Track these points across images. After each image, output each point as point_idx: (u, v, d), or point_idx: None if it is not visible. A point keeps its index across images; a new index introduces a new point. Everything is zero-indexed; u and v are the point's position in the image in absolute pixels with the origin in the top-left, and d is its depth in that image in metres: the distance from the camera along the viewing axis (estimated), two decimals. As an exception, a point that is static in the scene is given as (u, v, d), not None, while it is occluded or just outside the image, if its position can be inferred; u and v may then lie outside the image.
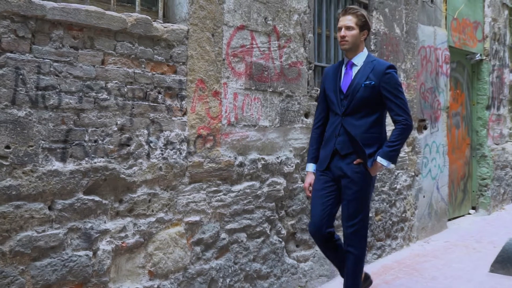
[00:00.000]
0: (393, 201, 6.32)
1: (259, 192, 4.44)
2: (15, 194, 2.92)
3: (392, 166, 3.93)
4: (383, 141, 3.90)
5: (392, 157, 3.84)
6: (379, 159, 3.81)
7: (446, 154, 7.66)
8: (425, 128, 7.04)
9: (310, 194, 4.09)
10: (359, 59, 3.96)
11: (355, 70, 3.95)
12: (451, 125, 8.11)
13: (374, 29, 5.98)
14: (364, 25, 3.92)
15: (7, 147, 2.89)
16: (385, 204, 6.15)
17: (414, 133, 6.77)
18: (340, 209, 4.05)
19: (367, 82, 3.84)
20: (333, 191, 3.98)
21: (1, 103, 2.86)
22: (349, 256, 3.99)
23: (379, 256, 6.06)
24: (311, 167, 4.14)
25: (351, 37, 3.88)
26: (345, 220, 3.95)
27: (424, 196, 7.03)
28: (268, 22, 4.52)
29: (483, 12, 8.85)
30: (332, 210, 3.98)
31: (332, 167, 3.96)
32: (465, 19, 8.26)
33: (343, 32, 3.89)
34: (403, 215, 6.54)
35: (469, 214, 8.88)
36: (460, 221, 8.31)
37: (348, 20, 3.88)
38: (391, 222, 6.27)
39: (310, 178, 4.12)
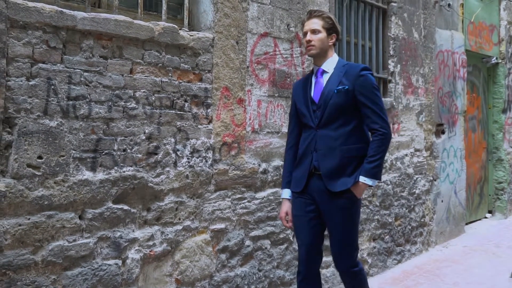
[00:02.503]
0: (412, 206, 6.30)
1: (281, 198, 4.43)
2: (47, 204, 2.94)
3: (377, 183, 3.48)
4: (365, 152, 3.43)
5: (376, 173, 3.38)
6: (362, 178, 3.35)
7: (463, 158, 7.63)
8: (443, 132, 7.02)
9: (287, 225, 3.62)
10: (330, 65, 3.54)
11: (326, 77, 3.52)
12: (467, 129, 8.08)
13: (393, 34, 5.97)
14: (331, 28, 3.52)
15: (39, 157, 2.91)
16: (404, 209, 6.13)
17: (432, 138, 6.76)
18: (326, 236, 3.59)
19: (340, 87, 3.41)
20: (317, 217, 3.50)
21: (34, 113, 2.87)
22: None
23: (399, 262, 6.04)
24: (286, 193, 3.63)
25: (318, 41, 3.47)
26: (336, 252, 3.47)
27: (442, 201, 7.01)
28: (291, 29, 4.52)
29: (499, 15, 8.81)
30: (320, 240, 3.55)
31: (311, 189, 3.48)
32: (481, 22, 8.23)
33: (308, 36, 3.49)
34: (422, 220, 6.52)
35: (486, 218, 8.82)
36: (477, 225, 8.26)
37: (313, 23, 3.49)
38: (410, 227, 6.25)
39: (286, 206, 3.61)
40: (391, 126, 5.79)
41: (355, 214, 3.47)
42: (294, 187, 3.56)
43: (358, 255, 5.26)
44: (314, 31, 3.48)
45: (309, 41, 3.49)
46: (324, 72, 3.54)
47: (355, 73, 3.43)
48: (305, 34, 3.54)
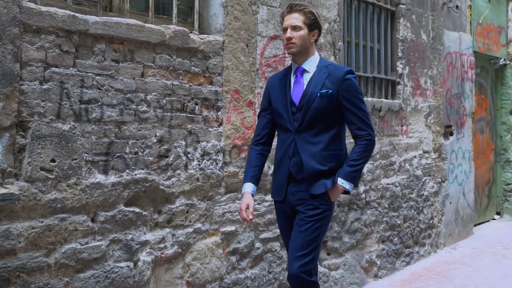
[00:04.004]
0: (420, 208, 6.30)
1: (291, 201, 4.45)
2: (60, 207, 2.96)
3: (353, 188, 3.24)
4: (343, 159, 3.24)
5: (355, 178, 3.20)
6: (340, 181, 3.15)
7: (472, 159, 7.63)
8: (451, 134, 7.02)
9: (248, 218, 3.21)
10: (311, 64, 3.27)
11: (307, 77, 3.26)
12: (475, 130, 8.07)
13: (402, 36, 5.98)
14: (313, 24, 3.23)
15: (52, 160, 2.93)
16: (412, 211, 6.13)
17: (440, 139, 6.76)
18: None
19: (324, 90, 3.17)
20: None
21: (47, 117, 2.90)
22: None
23: (408, 263, 6.03)
24: (248, 187, 3.29)
25: (299, 39, 3.18)
26: (293, 250, 3.15)
27: (450, 203, 7.00)
28: (300, 31, 4.53)
29: (507, 16, 8.80)
30: None
31: (288, 195, 3.26)
32: (489, 24, 8.23)
33: (289, 33, 3.19)
34: (431, 221, 6.51)
35: (494, 219, 8.81)
36: (485, 227, 8.25)
37: (294, 18, 3.19)
38: (418, 229, 6.25)
39: (247, 199, 3.25)
40: (399, 128, 5.82)
41: (324, 216, 3.20)
42: (275, 195, 3.37)
43: (366, 256, 5.27)
44: (294, 28, 3.19)
45: (290, 38, 3.20)
46: (304, 71, 3.28)
47: (339, 77, 3.19)
48: (284, 30, 3.25)
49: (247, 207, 3.23)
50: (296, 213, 3.23)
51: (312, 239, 3.14)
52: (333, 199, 3.21)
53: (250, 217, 3.21)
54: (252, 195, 3.30)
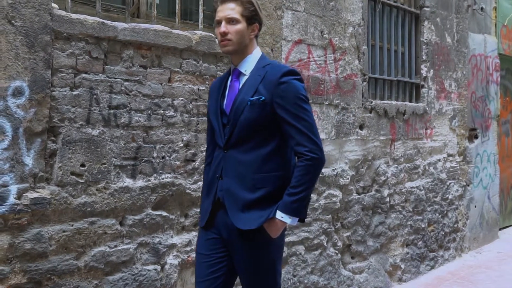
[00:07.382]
0: (445, 212, 6.26)
1: (316, 204, 4.46)
2: (90, 211, 3.01)
3: (297, 221, 2.59)
4: (286, 182, 2.56)
5: (297, 209, 2.52)
6: (280, 214, 2.51)
7: (497, 163, 7.57)
8: (476, 137, 6.97)
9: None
10: (248, 65, 2.66)
11: (242, 81, 2.67)
12: (500, 133, 8.01)
13: (426, 39, 5.96)
14: (253, 17, 2.63)
15: (82, 165, 2.98)
16: (437, 214, 6.10)
17: (465, 143, 6.71)
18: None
19: (255, 97, 2.56)
20: (224, 257, 2.64)
21: (77, 122, 2.95)
22: None
23: (432, 267, 6.01)
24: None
25: (236, 34, 2.58)
26: None
27: (475, 206, 6.95)
28: (324, 35, 4.55)
29: (533, 18, 8.72)
30: (225, 284, 2.65)
31: (218, 224, 2.64)
32: (514, 25, 8.17)
33: (223, 27, 2.58)
34: (455, 225, 6.47)
35: (519, 223, 8.74)
36: (511, 231, 8.17)
37: (229, 9, 2.59)
38: (443, 233, 6.22)
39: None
40: (424, 131, 5.79)
41: (270, 253, 2.62)
42: (200, 221, 2.76)
43: (390, 260, 5.26)
44: (230, 20, 2.58)
45: (224, 33, 2.59)
46: (241, 74, 2.68)
47: (273, 80, 2.56)
48: (218, 23, 2.63)
49: None
50: (227, 246, 2.64)
51: (264, 280, 2.63)
52: (272, 236, 2.56)
53: None
54: None
